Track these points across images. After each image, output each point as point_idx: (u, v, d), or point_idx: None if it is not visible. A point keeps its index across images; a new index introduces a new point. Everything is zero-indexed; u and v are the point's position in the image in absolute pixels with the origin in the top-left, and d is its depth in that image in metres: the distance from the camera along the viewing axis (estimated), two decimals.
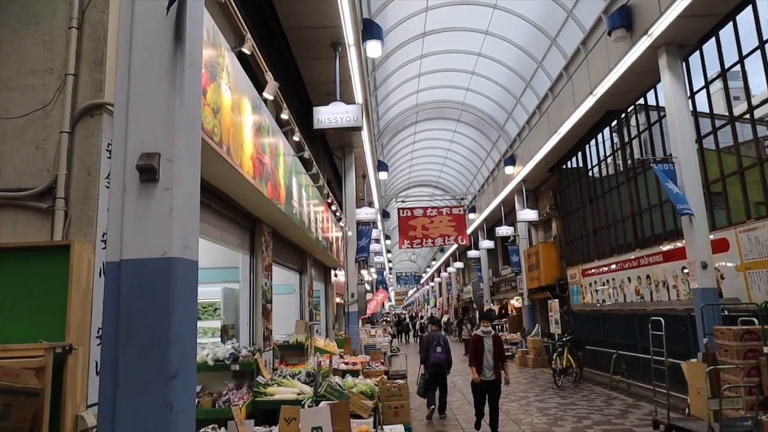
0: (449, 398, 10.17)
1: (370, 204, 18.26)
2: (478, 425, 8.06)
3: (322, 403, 4.32)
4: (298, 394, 5.98)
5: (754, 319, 6.59)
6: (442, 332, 10.76)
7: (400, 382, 7.11)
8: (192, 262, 2.64)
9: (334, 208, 10.86)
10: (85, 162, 3.24)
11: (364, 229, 14.59)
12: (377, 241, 24.51)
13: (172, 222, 2.53)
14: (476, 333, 8.02)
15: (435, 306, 47.93)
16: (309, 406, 5.64)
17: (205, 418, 5.58)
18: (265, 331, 6.75)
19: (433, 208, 22.83)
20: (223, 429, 3.95)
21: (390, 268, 46.01)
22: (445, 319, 34.28)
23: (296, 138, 7.18)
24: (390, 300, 57.80)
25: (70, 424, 2.80)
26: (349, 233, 13.93)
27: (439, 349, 9.19)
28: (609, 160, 13.48)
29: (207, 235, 5.30)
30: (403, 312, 58.67)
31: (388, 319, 33.53)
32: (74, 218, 3.17)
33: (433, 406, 9.32)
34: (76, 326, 2.91)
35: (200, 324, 8.00)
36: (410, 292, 67.03)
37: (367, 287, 27.57)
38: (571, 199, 15.68)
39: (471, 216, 24.81)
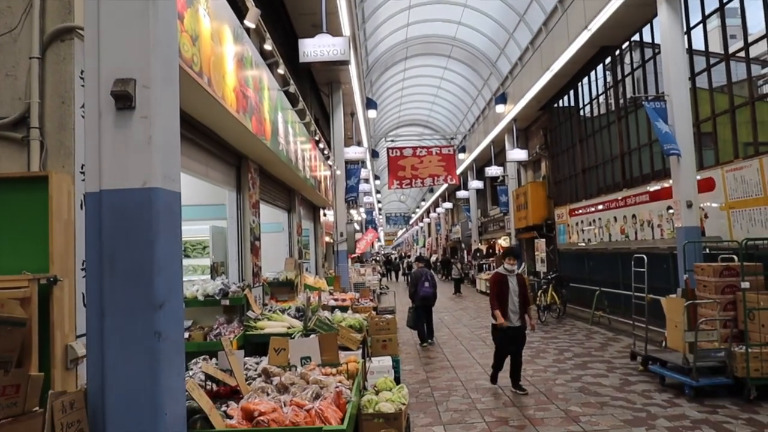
0: (437, 334, 10.72)
1: (359, 143, 18.06)
2: (494, 378, 6.90)
3: (312, 336, 4.40)
4: (288, 327, 6.10)
5: (734, 257, 6.75)
6: (431, 271, 11.08)
7: (388, 316, 7.27)
8: (174, 193, 2.58)
9: (321, 146, 10.70)
10: (59, 90, 3.10)
11: (352, 168, 14.48)
12: (366, 181, 24.44)
13: (152, 151, 2.45)
14: (498, 271, 6.91)
15: (424, 246, 48.59)
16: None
17: (197, 350, 5.71)
18: (255, 268, 6.80)
19: (423, 147, 22.64)
20: (214, 359, 4.03)
21: (379, 209, 46.17)
22: (433, 258, 34.82)
23: (281, 71, 6.94)
24: (379, 240, 58.41)
25: (59, 353, 2.82)
26: (338, 172, 13.82)
27: (427, 284, 10.03)
28: (601, 98, 13.30)
29: (191, 170, 5.21)
30: (393, 252, 59.55)
31: (378, 258, 34.01)
32: (51, 149, 3.07)
33: (429, 340, 10.18)
34: (60, 258, 2.88)
35: (189, 262, 8.03)
36: (399, 233, 67.72)
37: (357, 227, 27.76)
38: (561, 139, 15.59)
39: (461, 156, 24.69)
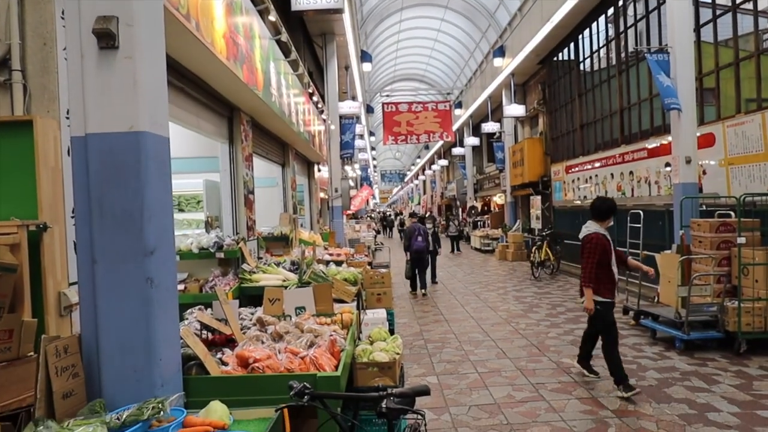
0: (430, 288, 10.89)
1: (354, 98, 17.71)
2: (626, 378, 4.77)
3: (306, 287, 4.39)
4: (283, 280, 6.12)
5: (731, 213, 6.75)
6: (427, 226, 11.52)
7: (383, 270, 7.30)
8: (163, 138, 2.51)
9: (315, 99, 10.48)
10: (40, 31, 2.97)
11: (347, 123, 14.26)
12: (361, 137, 24.15)
13: (137, 94, 2.37)
14: (597, 232, 5.09)
15: (419, 204, 48.64)
16: None
17: (192, 302, 5.74)
18: (249, 221, 6.76)
19: (419, 103, 22.32)
20: (209, 309, 4.03)
21: (374, 166, 45.93)
22: (426, 215, 34.95)
23: (272, 18, 6.69)
24: (375, 198, 58.39)
25: (53, 300, 2.80)
26: (332, 127, 13.62)
27: (420, 238, 10.68)
28: (602, 52, 13.00)
29: (182, 120, 5.08)
30: (388, 209, 59.61)
31: (372, 215, 34.08)
32: (34, 93, 2.96)
33: (422, 290, 10.93)
34: (49, 205, 2.82)
35: (184, 216, 7.94)
36: (395, 190, 67.65)
37: (351, 183, 27.63)
38: (560, 94, 15.34)
39: (457, 112, 24.35)
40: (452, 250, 20.72)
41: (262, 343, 3.17)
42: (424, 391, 2.23)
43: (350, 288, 5.68)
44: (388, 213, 43.57)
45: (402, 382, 4.00)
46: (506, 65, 16.93)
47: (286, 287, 5.88)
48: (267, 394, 2.66)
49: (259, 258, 6.92)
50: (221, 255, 5.99)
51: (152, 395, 2.32)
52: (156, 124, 2.46)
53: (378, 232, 27.17)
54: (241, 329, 3.53)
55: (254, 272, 6.30)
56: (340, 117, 14.32)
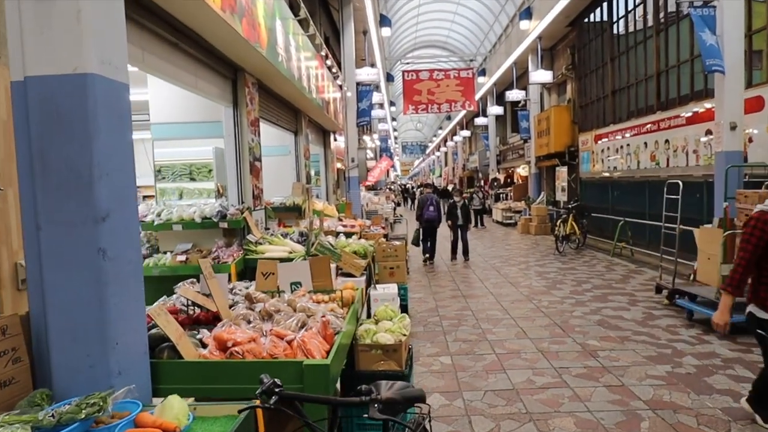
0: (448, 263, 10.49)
1: (372, 65, 17.09)
2: None
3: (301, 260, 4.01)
4: (290, 252, 5.77)
5: None
6: (456, 199, 11.56)
7: (397, 243, 6.91)
8: (118, 83, 2.11)
9: (329, 63, 9.96)
10: None
11: (364, 90, 13.71)
12: (381, 106, 23.53)
13: (82, 29, 1.97)
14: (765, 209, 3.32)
15: (440, 176, 47.90)
16: None
17: (194, 274, 5.46)
18: (255, 190, 6.39)
19: (440, 70, 21.53)
20: (198, 283, 3.70)
21: (395, 137, 45.19)
22: (450, 188, 34.34)
23: None
24: (395, 170, 57.75)
25: (8, 271, 2.48)
26: (348, 94, 13.10)
27: (431, 208, 10.86)
28: (637, 11, 12.10)
29: (176, 79, 4.67)
30: (409, 182, 58.96)
31: (392, 187, 33.61)
32: None
33: (427, 255, 11.19)
34: (1, 164, 2.46)
35: (195, 185, 7.56)
36: (416, 162, 66.82)
37: (370, 154, 27.13)
38: (590, 58, 14.48)
39: (480, 80, 23.45)
40: (475, 225, 19.45)
41: (249, 322, 2.82)
42: (418, 398, 1.83)
43: (359, 261, 5.30)
44: (409, 185, 43.05)
45: (409, 366, 3.63)
46: (533, 28, 16.04)
47: (291, 260, 5.56)
48: (245, 382, 2.31)
49: (267, 228, 6.58)
50: (225, 225, 5.66)
51: (108, 385, 1.99)
52: (108, 65, 2.06)
53: (398, 204, 26.75)
54: (234, 306, 3.19)
55: (260, 243, 5.98)
56: (357, 84, 13.77)
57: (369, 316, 5.26)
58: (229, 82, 5.95)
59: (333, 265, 5.21)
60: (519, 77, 20.05)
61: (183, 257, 5.52)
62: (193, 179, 7.65)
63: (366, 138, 22.77)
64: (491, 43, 24.16)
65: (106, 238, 1.99)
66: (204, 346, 2.56)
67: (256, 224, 6.28)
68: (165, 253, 5.79)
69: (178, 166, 7.16)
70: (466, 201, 11.63)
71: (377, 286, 5.42)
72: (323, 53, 9.21)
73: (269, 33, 5.75)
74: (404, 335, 3.52)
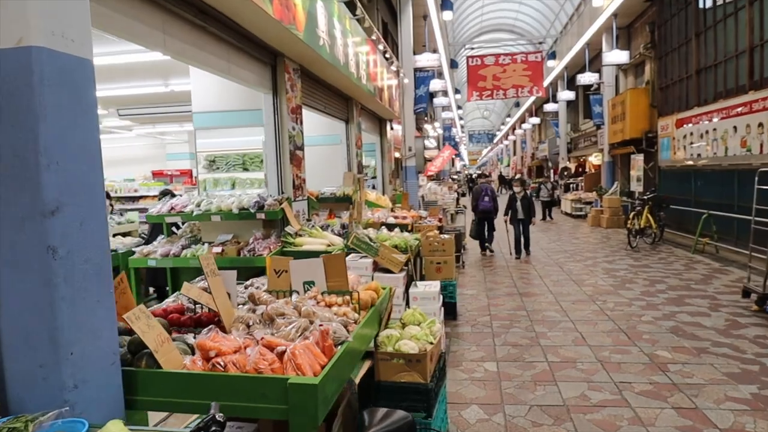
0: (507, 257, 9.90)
1: (434, 51, 16.53)
2: None
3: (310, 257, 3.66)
4: (328, 245, 5.52)
5: None
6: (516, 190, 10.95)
7: (445, 236, 6.46)
8: (73, 57, 1.84)
9: (381, 47, 9.58)
10: None
11: (422, 76, 13.21)
12: (444, 94, 22.91)
13: None
14: None
15: (508, 165, 46.40)
16: None
17: (229, 266, 5.32)
18: (296, 180, 6.18)
19: (507, 54, 20.57)
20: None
21: (462, 126, 44.16)
22: (518, 177, 33.19)
23: None
24: (462, 159, 56.60)
25: None
26: (406, 81, 12.66)
27: (486, 199, 10.64)
28: None
29: (205, 65, 4.50)
30: (477, 171, 57.62)
31: (455, 177, 32.79)
32: None
33: (487, 244, 11.03)
34: None
35: (248, 175, 7.49)
36: (484, 152, 65.20)
37: (432, 143, 26.54)
38: (672, 35, 13.15)
39: (550, 63, 22.19)
40: (543, 217, 18.08)
41: (248, 327, 2.53)
42: None
43: (397, 257, 4.93)
44: (474, 174, 41.94)
45: (437, 377, 3.23)
46: (607, 5, 14.82)
47: (329, 253, 5.29)
48: (224, 398, 2.02)
49: (308, 220, 6.36)
50: (262, 216, 5.49)
51: (62, 400, 1.78)
52: (61, 37, 1.80)
53: (463, 195, 26.05)
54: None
55: (300, 235, 5.77)
56: (416, 70, 13.30)
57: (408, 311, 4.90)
58: (268, 68, 5.75)
59: (369, 260, 4.90)
60: (592, 59, 18.74)
61: (218, 248, 5.40)
62: (246, 169, 7.58)
63: (427, 126, 22.25)
64: (562, 24, 22.80)
65: (56, 235, 1.75)
66: (193, 352, 2.31)
67: (296, 215, 6.08)
68: (203, 243, 5.71)
69: (231, 155, 7.11)
70: (530, 192, 10.77)
71: (418, 283, 5.04)
72: (373, 37, 8.83)
73: (307, 15, 5.47)
74: (431, 343, 3.13)
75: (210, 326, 2.39)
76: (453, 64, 23.21)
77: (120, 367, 2.05)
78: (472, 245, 11.95)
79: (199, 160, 7.15)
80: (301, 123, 6.35)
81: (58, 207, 1.75)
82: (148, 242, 6.44)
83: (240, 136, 6.69)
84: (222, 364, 2.11)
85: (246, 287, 3.42)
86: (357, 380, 3.21)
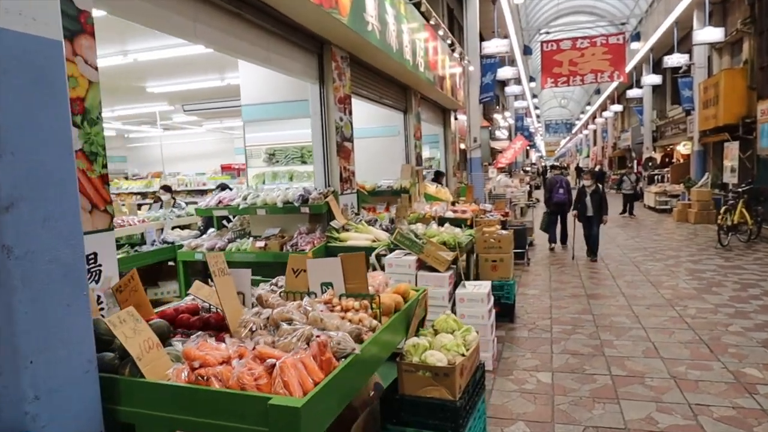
0: (579, 254, 9.15)
1: (505, 36, 15.80)
2: None
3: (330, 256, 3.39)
4: (372, 241, 5.28)
5: None
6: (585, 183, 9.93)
7: (503, 233, 6.00)
8: (34, 38, 1.68)
9: (441, 32, 9.15)
10: None
11: (488, 63, 12.60)
12: (517, 82, 21.95)
13: None
14: None
15: (588, 156, 43.99)
16: (382, 255, 4.92)
17: (273, 261, 5.22)
18: (344, 173, 5.97)
19: (585, 38, 19.33)
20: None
21: (537, 116, 42.36)
22: (597, 169, 31.33)
23: None
24: (539, 150, 54.43)
25: None
26: (471, 68, 12.12)
27: (561, 191, 10.10)
28: None
29: (241, 53, 4.37)
30: (554, 163, 55.25)
31: (527, 168, 31.45)
32: None
33: (553, 244, 10.45)
34: None
35: (305, 168, 7.39)
36: (562, 142, 62.35)
37: (503, 134, 25.57)
38: None
39: (633, 46, 20.58)
40: (623, 211, 16.38)
41: (252, 332, 2.32)
42: None
43: (444, 254, 4.59)
44: (546, 166, 40.11)
45: (474, 394, 2.87)
46: None
47: (373, 249, 5.03)
48: (203, 415, 1.82)
49: (356, 214, 6.14)
50: (306, 210, 5.33)
51: (23, 411, 1.63)
52: (19, 15, 1.64)
53: (537, 187, 24.95)
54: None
55: (347, 229, 5.57)
56: (482, 57, 12.71)
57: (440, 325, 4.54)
58: (314, 56, 5.56)
59: (413, 258, 4.58)
60: (681, 39, 17.12)
61: (262, 243, 5.30)
62: (304, 162, 7.51)
63: (497, 116, 21.42)
64: (647, 2, 21.05)
65: (11, 233, 1.59)
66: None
67: (344, 209, 5.88)
68: (249, 237, 5.64)
69: (290, 148, 7.04)
70: (602, 186, 9.63)
71: (466, 283, 4.67)
72: (433, 22, 8.43)
73: None
74: (462, 355, 2.78)
75: (199, 333, 2.21)
76: (526, 51, 22.15)
77: (96, 375, 1.90)
78: (541, 241, 11.28)
79: (259, 153, 7.13)
80: (350, 113, 6.12)
81: (12, 203, 1.60)
82: (202, 235, 6.50)
83: (294, 128, 6.57)
84: (205, 377, 1.91)
85: (271, 285, 3.23)
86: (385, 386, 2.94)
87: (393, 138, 9.05)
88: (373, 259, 4.75)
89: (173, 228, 7.21)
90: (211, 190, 12.82)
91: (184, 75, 7.18)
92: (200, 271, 6.86)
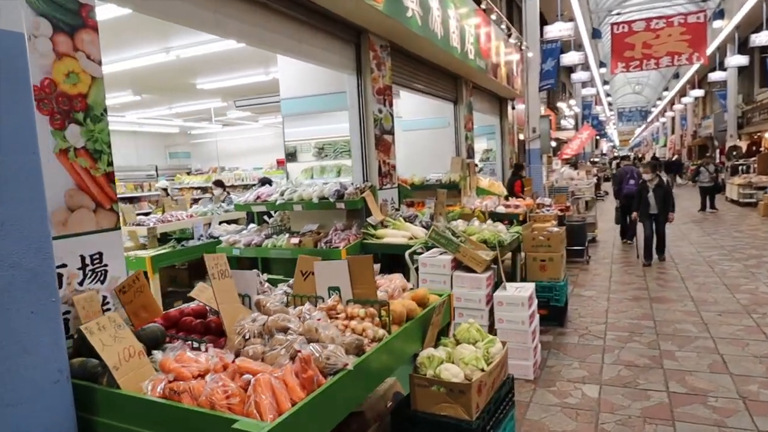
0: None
1: (571, 19, 14.97)
2: None
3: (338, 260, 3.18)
4: (410, 238, 5.05)
5: None
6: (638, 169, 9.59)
7: (553, 230, 5.57)
8: None
9: (494, 17, 8.69)
10: None
11: (549, 48, 11.92)
12: (585, 67, 20.82)
13: None
14: None
15: (665, 145, 41.22)
16: (418, 254, 4.68)
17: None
18: (383, 167, 5.76)
19: (660, 18, 17.94)
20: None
21: (609, 103, 40.13)
22: (666, 158, 29.30)
23: None
24: (611, 140, 51.70)
25: None
26: (530, 54, 11.51)
27: (631, 182, 9.38)
28: None
29: (269, 44, 4.24)
30: (629, 153, 52.30)
31: (595, 159, 29.82)
32: None
33: (626, 239, 9.80)
34: None
35: (343, 162, 7.26)
36: (636, 131, 58.87)
37: (570, 123, 24.36)
38: None
39: (715, 24, 18.89)
40: (702, 208, 14.61)
41: (245, 339, 2.17)
42: None
43: (482, 254, 4.28)
44: (618, 157, 37.93)
45: (498, 412, 2.59)
46: None
47: (409, 247, 4.80)
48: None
49: (396, 210, 5.92)
50: (341, 205, 5.18)
51: None
52: None
53: (606, 179, 23.64)
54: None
55: (386, 225, 5.37)
56: (542, 42, 12.04)
57: (492, 325, 4.25)
58: (350, 46, 5.38)
59: (448, 257, 4.30)
60: None
61: (296, 240, 5.21)
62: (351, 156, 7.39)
63: (562, 105, 20.38)
64: None
65: None
66: None
67: (383, 205, 5.68)
68: (285, 234, 5.57)
69: (339, 142, 6.95)
70: (665, 179, 8.56)
71: (507, 285, 4.34)
72: (484, 6, 8.01)
73: None
74: (482, 370, 2.50)
75: (175, 344, 2.08)
76: (596, 34, 20.90)
77: (68, 385, 1.81)
78: (605, 237, 10.59)
79: (309, 147, 7.06)
80: (390, 105, 5.90)
81: None
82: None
83: (339, 122, 6.41)
84: (176, 391, 1.77)
85: (288, 286, 3.09)
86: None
87: (443, 129, 8.73)
88: (406, 258, 4.53)
89: (220, 223, 7.31)
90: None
91: (230, 71, 7.23)
92: (241, 267, 6.91)
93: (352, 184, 5.38)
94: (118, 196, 9.67)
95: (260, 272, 5.86)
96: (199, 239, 6.25)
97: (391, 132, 5.95)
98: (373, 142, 5.58)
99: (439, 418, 2.44)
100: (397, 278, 2.95)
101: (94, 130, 2.52)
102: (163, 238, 6.52)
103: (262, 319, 2.25)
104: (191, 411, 1.66)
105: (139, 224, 6.38)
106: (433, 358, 2.55)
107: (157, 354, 2.00)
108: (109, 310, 2.66)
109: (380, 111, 5.67)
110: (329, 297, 2.61)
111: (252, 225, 6.15)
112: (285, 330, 2.16)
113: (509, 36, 9.77)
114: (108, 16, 4.11)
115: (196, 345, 2.34)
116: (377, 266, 2.73)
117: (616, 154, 42.77)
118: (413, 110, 8.92)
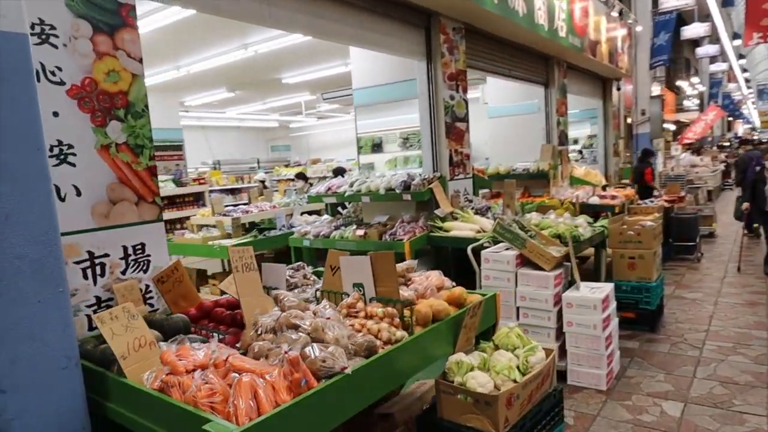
0: None
1: None
2: None
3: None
4: (478, 231, 4.79)
5: None
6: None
7: (645, 224, 4.95)
8: None
9: None
10: None
11: (662, 20, 10.70)
12: (714, 40, 18.57)
13: None
14: None
15: None
16: (484, 247, 4.41)
17: (373, 250, 5.04)
18: (455, 156, 5.51)
19: None
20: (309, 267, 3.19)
21: (746, 80, 35.44)
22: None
23: None
24: (749, 121, 45.77)
25: None
26: (638, 28, 10.41)
27: (758, 168, 8.05)
28: None
29: (327, 34, 4.20)
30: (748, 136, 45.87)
31: (725, 144, 26.48)
32: None
33: (747, 231, 8.12)
34: None
35: (412, 153, 7.10)
36: None
37: (694, 103, 21.86)
38: None
39: None
40: None
41: (258, 334, 2.15)
42: None
43: (551, 251, 3.93)
44: (742, 140, 33.35)
45: (535, 430, 2.33)
46: None
47: (476, 241, 4.54)
48: (161, 426, 1.70)
49: (469, 201, 5.65)
50: (408, 197, 5.05)
51: None
52: None
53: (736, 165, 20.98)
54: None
55: (456, 218, 5.15)
56: (654, 14, 10.85)
57: (561, 328, 3.87)
58: (419, 30, 5.20)
59: (512, 253, 3.99)
60: None
61: (362, 231, 5.16)
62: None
63: (682, 83, 18.31)
64: None
65: None
66: None
67: (455, 196, 5.45)
68: (354, 225, 5.55)
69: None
70: None
71: (581, 284, 3.94)
72: None
73: None
74: (514, 381, 2.26)
75: (177, 337, 2.08)
76: (726, 2, 18.50)
77: (78, 371, 1.88)
78: (725, 232, 9.39)
79: (394, 137, 7.02)
80: (465, 90, 5.62)
81: None
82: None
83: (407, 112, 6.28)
84: (170, 384, 1.77)
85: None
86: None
87: (532, 115, 8.21)
88: (468, 252, 4.29)
89: (302, 214, 7.50)
90: None
91: (309, 64, 7.35)
92: (313, 258, 7.05)
93: (420, 174, 5.21)
94: (220, 187, 10.25)
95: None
96: (280, 229, 6.45)
97: (465, 119, 5.67)
98: (444, 131, 5.35)
99: (465, 430, 2.24)
100: (434, 275, 2.77)
101: (135, 126, 2.62)
102: (252, 228, 6.82)
103: (276, 315, 2.21)
104: (173, 405, 1.65)
105: (225, 214, 6.73)
106: (462, 364, 2.35)
107: (163, 345, 2.02)
108: (152, 298, 2.77)
109: (452, 97, 5.41)
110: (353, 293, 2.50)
111: (325, 216, 6.22)
112: (296, 327, 2.10)
113: (611, 8, 8.90)
114: (178, 17, 4.31)
115: (221, 336, 2.37)
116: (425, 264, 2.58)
117: (746, 138, 37.80)
118: (501, 95, 8.50)
